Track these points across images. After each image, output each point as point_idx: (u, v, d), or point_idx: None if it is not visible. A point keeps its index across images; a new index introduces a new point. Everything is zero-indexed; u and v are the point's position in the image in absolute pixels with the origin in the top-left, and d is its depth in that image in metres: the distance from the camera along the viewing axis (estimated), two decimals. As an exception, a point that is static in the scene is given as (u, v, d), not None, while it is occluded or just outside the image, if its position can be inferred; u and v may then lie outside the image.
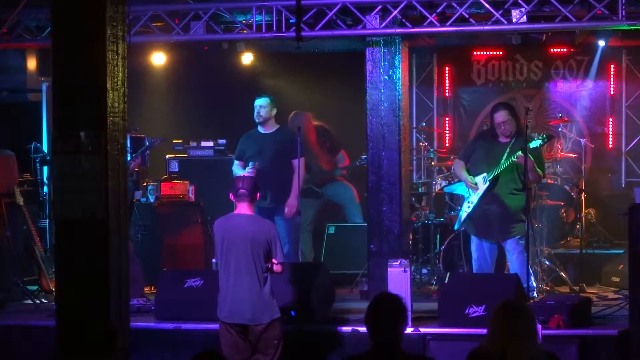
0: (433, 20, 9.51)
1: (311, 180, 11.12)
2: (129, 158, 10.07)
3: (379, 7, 9.59)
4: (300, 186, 10.07)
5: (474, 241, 9.66)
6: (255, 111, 10.09)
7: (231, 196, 7.87)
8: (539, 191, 10.58)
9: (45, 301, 9.93)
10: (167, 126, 12.85)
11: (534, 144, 9.28)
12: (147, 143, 11.14)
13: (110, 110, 6.05)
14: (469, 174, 9.57)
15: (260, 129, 10.17)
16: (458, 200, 10.44)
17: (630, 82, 12.74)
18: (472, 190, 9.55)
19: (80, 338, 5.28)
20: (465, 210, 9.60)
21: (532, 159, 9.15)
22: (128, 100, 6.19)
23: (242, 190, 7.76)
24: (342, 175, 11.62)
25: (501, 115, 9.45)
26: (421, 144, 12.49)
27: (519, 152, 9.12)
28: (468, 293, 8.57)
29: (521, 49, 12.69)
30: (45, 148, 11.50)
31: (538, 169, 9.38)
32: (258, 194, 7.97)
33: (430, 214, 11.15)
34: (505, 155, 9.35)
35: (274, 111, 10.13)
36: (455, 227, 10.02)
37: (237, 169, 10.15)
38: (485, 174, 9.43)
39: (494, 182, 9.39)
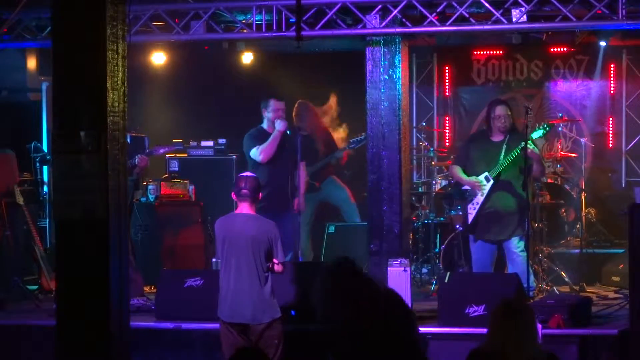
0: (433, 19, 9.51)
1: (309, 173, 11.11)
2: (136, 159, 10.01)
3: (379, 6, 9.58)
4: (304, 188, 10.16)
5: (474, 241, 9.64)
6: (275, 114, 9.97)
7: (233, 195, 7.86)
8: (539, 190, 10.57)
9: (44, 299, 9.93)
10: (167, 125, 12.86)
11: (537, 134, 9.27)
12: (146, 143, 11.13)
13: (110, 110, 6.03)
14: (469, 176, 9.54)
15: (268, 131, 10.13)
16: (457, 201, 10.43)
17: (630, 82, 12.75)
18: (474, 190, 9.50)
19: (80, 338, 5.28)
20: (471, 212, 9.53)
21: (537, 151, 9.14)
22: (128, 100, 6.19)
23: (244, 191, 7.75)
24: (341, 157, 11.51)
25: (501, 109, 9.47)
26: (421, 143, 12.49)
27: (523, 145, 9.09)
28: (468, 292, 8.56)
29: (521, 49, 12.71)
30: (45, 147, 11.51)
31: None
32: (260, 194, 7.97)
33: (431, 214, 11.14)
34: (504, 152, 9.33)
35: None
36: (463, 228, 10.02)
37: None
38: (487, 173, 9.41)
39: (496, 180, 9.38)
